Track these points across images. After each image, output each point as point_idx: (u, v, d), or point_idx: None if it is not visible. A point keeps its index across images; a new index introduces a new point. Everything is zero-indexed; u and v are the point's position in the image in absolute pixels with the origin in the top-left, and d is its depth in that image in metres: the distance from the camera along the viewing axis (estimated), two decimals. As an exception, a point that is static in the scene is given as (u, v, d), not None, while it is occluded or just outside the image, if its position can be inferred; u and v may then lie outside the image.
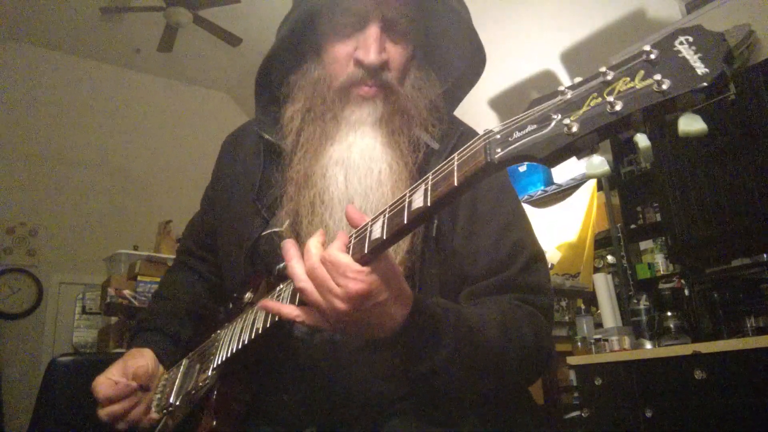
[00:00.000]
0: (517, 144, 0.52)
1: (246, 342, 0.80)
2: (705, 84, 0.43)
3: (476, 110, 4.45)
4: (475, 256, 0.86)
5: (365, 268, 0.63)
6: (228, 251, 1.02)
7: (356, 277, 0.63)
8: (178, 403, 0.91)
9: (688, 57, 0.45)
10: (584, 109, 0.48)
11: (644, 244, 3.39)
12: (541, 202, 4.03)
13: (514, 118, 0.54)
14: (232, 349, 0.82)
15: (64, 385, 1.34)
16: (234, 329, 0.86)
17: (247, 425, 0.87)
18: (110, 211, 5.49)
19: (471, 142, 0.57)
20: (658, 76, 0.45)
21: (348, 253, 0.65)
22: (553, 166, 0.52)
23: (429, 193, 0.59)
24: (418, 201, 0.60)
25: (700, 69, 0.44)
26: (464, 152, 0.58)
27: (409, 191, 0.62)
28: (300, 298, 0.70)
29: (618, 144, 3.52)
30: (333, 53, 0.92)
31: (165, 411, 0.92)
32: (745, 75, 2.75)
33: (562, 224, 3.74)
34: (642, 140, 0.48)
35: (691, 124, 0.46)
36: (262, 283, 0.90)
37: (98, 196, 5.50)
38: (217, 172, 1.13)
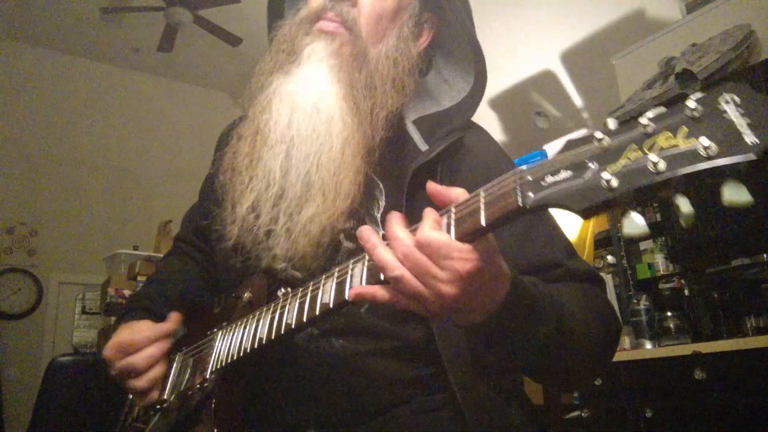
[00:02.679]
0: (552, 190, 0.50)
1: (248, 351, 0.78)
2: (753, 156, 0.41)
3: (476, 110, 4.44)
4: (528, 251, 0.83)
5: (469, 246, 0.57)
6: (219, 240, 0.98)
7: (463, 257, 0.56)
8: (172, 399, 0.89)
9: (735, 120, 0.42)
10: (623, 161, 0.46)
11: (644, 244, 3.39)
12: (541, 202, 4.03)
13: (547, 161, 0.51)
14: (232, 355, 0.81)
15: (64, 385, 1.34)
16: (234, 332, 0.84)
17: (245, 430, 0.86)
18: (110, 211, 5.49)
19: (499, 180, 0.54)
20: (704, 140, 0.42)
21: (450, 228, 0.58)
22: (587, 218, 0.51)
23: (454, 229, 0.57)
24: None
25: (749, 137, 0.41)
26: (491, 189, 0.54)
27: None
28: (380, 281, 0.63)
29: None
30: None
31: (158, 406, 0.90)
32: (745, 75, 2.75)
33: (562, 224, 3.73)
34: (685, 205, 0.45)
35: (737, 195, 0.43)
36: (261, 283, 0.88)
37: (98, 196, 5.50)
38: (217, 161, 1.11)
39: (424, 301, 0.59)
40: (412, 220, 0.62)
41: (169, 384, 0.92)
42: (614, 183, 0.46)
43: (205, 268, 1.12)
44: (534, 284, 0.68)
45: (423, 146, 0.89)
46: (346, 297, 0.66)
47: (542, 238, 0.85)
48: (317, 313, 0.69)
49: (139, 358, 0.88)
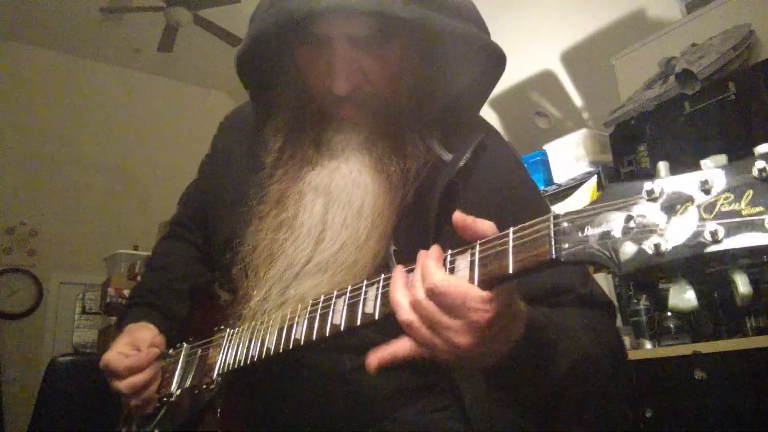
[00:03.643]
0: (590, 247, 0.44)
1: (255, 359, 0.78)
2: None
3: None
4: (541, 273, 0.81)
5: (489, 294, 0.53)
6: (218, 232, 0.98)
7: (482, 307, 0.52)
8: (178, 393, 0.90)
9: None
10: (677, 222, 0.40)
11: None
12: (541, 202, 4.02)
13: (587, 208, 0.46)
14: (239, 362, 0.81)
15: (64, 385, 1.34)
16: (242, 338, 0.83)
17: None
18: (110, 211, 5.49)
19: (532, 224, 0.50)
20: None
21: (464, 270, 0.55)
22: (621, 276, 0.47)
23: (477, 270, 0.53)
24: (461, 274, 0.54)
25: None
26: (523, 232, 0.50)
27: (450, 255, 0.56)
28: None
29: (618, 143, 3.52)
30: (306, 71, 0.83)
31: (164, 399, 0.91)
32: (745, 75, 2.75)
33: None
34: (743, 284, 0.39)
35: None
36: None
37: (98, 196, 5.50)
38: (217, 147, 1.08)
39: (434, 349, 0.56)
40: (441, 239, 0.59)
41: (175, 377, 0.92)
42: (663, 248, 0.40)
43: (203, 249, 1.11)
44: (547, 317, 0.64)
45: (441, 151, 0.83)
46: (358, 323, 0.64)
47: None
48: (326, 333, 0.68)
49: (122, 386, 0.89)
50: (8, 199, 5.12)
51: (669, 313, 2.81)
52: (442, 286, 0.53)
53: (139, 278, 3.56)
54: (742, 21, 2.88)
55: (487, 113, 4.65)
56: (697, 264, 0.41)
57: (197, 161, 1.18)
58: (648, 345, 2.80)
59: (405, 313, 0.56)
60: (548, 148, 3.84)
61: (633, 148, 3.45)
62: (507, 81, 4.39)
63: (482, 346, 0.55)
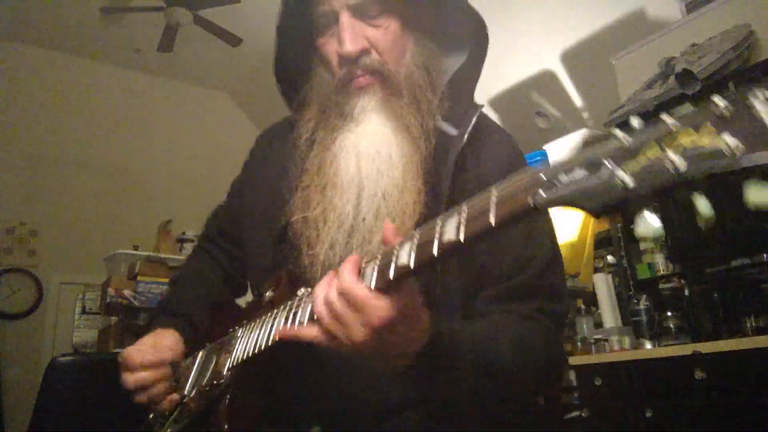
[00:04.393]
0: (564, 190, 0.48)
1: (263, 348, 0.80)
2: None
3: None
4: (501, 253, 0.86)
5: (384, 301, 0.62)
6: (254, 237, 1.04)
7: (375, 312, 0.62)
8: (192, 395, 0.91)
9: (765, 116, 0.39)
10: (641, 161, 0.44)
11: (644, 244, 3.39)
12: (541, 202, 4.03)
13: (563, 159, 0.50)
14: (248, 353, 0.82)
15: (64, 385, 1.34)
16: (252, 330, 0.86)
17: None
18: (110, 211, 5.49)
19: (513, 178, 0.54)
20: (728, 137, 0.40)
21: (371, 276, 0.64)
22: (599, 217, 0.49)
23: (462, 227, 0.56)
24: (450, 233, 0.57)
25: None
26: (504, 188, 0.54)
27: (441, 219, 0.59)
28: None
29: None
30: (323, 53, 0.95)
31: (182, 400, 0.93)
32: (745, 75, 2.75)
33: (562, 224, 3.74)
34: (705, 207, 0.43)
35: (762, 195, 0.41)
36: (283, 281, 0.90)
37: (98, 196, 5.50)
38: (250, 162, 1.16)
39: (336, 339, 0.66)
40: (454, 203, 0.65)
41: (191, 378, 0.95)
42: (630, 182, 0.44)
43: (227, 270, 1.18)
44: (458, 331, 0.74)
45: (446, 127, 0.93)
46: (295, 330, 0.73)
47: (516, 241, 0.87)
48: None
49: (130, 379, 0.94)
50: (8, 199, 5.12)
51: (669, 313, 2.81)
52: (348, 287, 0.64)
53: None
54: (742, 21, 2.88)
55: (488, 113, 4.64)
56: (665, 194, 0.44)
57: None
58: (648, 345, 2.80)
59: (318, 305, 0.67)
60: (548, 148, 3.84)
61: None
62: (507, 81, 4.39)
63: (378, 344, 0.65)
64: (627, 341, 2.86)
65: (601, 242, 3.65)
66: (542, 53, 4.10)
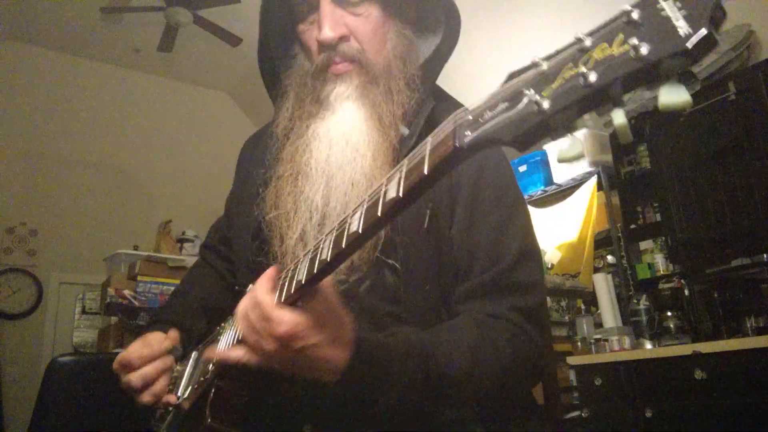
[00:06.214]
0: (486, 126, 0.46)
1: (239, 339, 0.79)
2: (686, 46, 0.37)
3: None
4: (473, 248, 0.85)
5: (288, 312, 0.63)
6: (237, 234, 1.04)
7: (279, 320, 0.63)
8: (186, 395, 0.91)
9: (671, 15, 0.38)
10: (558, 82, 0.43)
11: (644, 244, 3.39)
12: (541, 202, 4.03)
13: (488, 95, 0.48)
14: (229, 346, 0.82)
15: (64, 385, 1.34)
16: (234, 324, 0.86)
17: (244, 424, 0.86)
18: (110, 211, 5.49)
19: (443, 125, 0.52)
20: (634, 40, 0.39)
21: (283, 288, 0.65)
22: (524, 150, 0.47)
23: (402, 182, 0.53)
24: (391, 192, 0.55)
25: (683, 29, 0.37)
26: (436, 135, 0.52)
27: (386, 180, 0.57)
28: None
29: (617, 143, 3.52)
30: (303, 40, 0.96)
31: (174, 404, 0.93)
32: (745, 75, 2.75)
33: (562, 224, 3.74)
34: (618, 117, 0.41)
35: (672, 95, 0.40)
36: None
37: (98, 196, 5.50)
38: (238, 168, 1.16)
39: (256, 353, 0.67)
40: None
41: (184, 380, 0.95)
42: (545, 105, 0.42)
43: (226, 278, 1.18)
44: (386, 345, 0.71)
45: (401, 128, 0.93)
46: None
47: (488, 235, 0.86)
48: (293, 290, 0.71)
49: (134, 378, 0.93)
50: (8, 199, 5.12)
51: (669, 313, 2.81)
52: (257, 298, 0.65)
53: (138, 281, 3.56)
54: (742, 21, 2.88)
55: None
56: (583, 109, 0.43)
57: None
58: (648, 345, 2.80)
59: (239, 318, 0.69)
60: (548, 148, 3.84)
61: (633, 147, 3.46)
62: (507, 81, 4.39)
63: (288, 356, 0.64)
64: (627, 341, 2.86)
65: (601, 242, 3.65)
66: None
